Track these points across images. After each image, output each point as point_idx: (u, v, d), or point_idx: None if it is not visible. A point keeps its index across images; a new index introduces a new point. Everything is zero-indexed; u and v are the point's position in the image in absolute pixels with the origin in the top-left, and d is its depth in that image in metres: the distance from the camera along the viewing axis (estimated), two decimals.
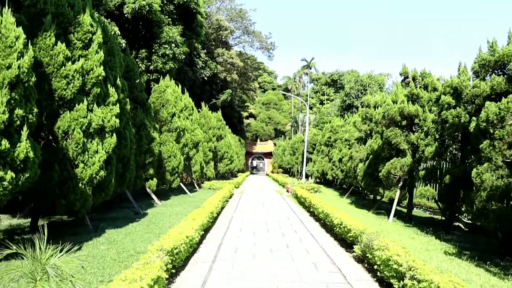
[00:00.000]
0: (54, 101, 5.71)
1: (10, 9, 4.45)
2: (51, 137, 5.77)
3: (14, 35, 4.27)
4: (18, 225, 6.70)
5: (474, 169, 6.38)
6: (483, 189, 6.15)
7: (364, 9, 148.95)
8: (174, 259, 4.01)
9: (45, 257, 2.49)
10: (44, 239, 2.66)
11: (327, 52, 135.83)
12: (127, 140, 7.99)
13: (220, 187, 16.54)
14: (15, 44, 4.24)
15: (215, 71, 29.71)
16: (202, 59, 25.40)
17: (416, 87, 10.62)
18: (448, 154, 9.04)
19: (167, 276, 3.36)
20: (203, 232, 6.20)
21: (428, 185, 10.40)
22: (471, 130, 7.03)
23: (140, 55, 17.31)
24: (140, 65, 16.85)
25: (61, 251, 2.70)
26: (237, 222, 8.71)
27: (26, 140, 4.22)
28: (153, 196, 10.90)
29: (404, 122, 10.29)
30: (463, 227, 9.85)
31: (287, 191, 18.27)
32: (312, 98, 73.22)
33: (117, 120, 6.71)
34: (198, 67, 24.84)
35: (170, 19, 18.85)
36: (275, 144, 55.06)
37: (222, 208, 10.71)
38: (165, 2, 18.55)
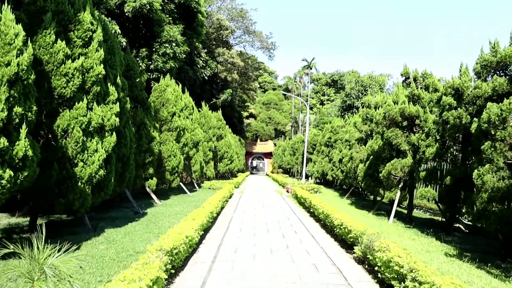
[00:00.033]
0: (53, 99, 5.67)
1: (9, 6, 4.41)
2: (50, 136, 5.74)
3: (13, 32, 4.23)
4: (17, 224, 6.67)
5: (475, 171, 6.35)
6: (484, 191, 6.12)
7: (365, 8, 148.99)
8: (173, 259, 3.98)
9: (42, 257, 2.45)
10: (42, 238, 2.63)
11: (328, 52, 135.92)
12: (127, 139, 7.96)
13: (220, 187, 16.50)
14: (14, 41, 4.20)
15: (216, 71, 29.68)
16: (202, 59, 25.36)
17: (417, 88, 10.59)
18: (449, 155, 9.01)
19: (166, 277, 3.33)
20: (202, 232, 6.17)
21: (429, 186, 10.37)
22: (472, 131, 7.00)
23: (140, 54, 17.28)
24: (140, 64, 16.82)
25: (59, 250, 2.67)
26: (237, 222, 8.68)
27: (25, 138, 4.18)
28: (153, 196, 10.86)
29: (405, 123, 10.26)
30: (463, 229, 9.82)
31: (287, 191, 18.24)
32: (313, 98, 73.20)
33: (117, 119, 6.68)
34: (199, 66, 24.80)
35: (170, 18, 18.81)
36: (275, 144, 55.03)
37: (222, 208, 10.67)
38: (166, 1, 18.51)
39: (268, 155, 55.66)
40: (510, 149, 5.90)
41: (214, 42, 34.16)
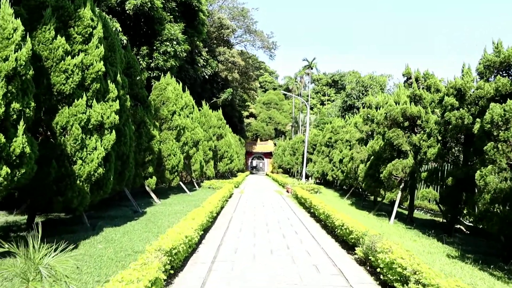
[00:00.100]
0: (52, 96, 5.61)
1: (8, 1, 4.34)
2: (49, 133, 5.67)
3: (12, 27, 4.17)
4: (15, 222, 6.60)
5: (478, 171, 6.29)
6: (487, 192, 6.06)
7: (366, 8, 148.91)
8: (172, 259, 3.92)
9: (38, 256, 2.39)
10: (38, 237, 2.56)
11: (329, 51, 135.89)
12: (127, 138, 7.89)
13: (220, 186, 16.44)
14: (12, 36, 4.14)
15: (216, 70, 29.60)
16: (203, 58, 25.28)
17: (419, 88, 10.53)
18: (450, 156, 8.95)
19: (165, 277, 3.27)
20: (202, 232, 6.11)
21: (430, 187, 10.31)
22: (474, 131, 6.95)
23: (141, 52, 17.21)
24: (141, 62, 16.75)
25: (55, 250, 2.60)
26: (237, 222, 8.62)
27: (22, 135, 4.12)
28: (152, 195, 10.80)
29: (406, 123, 10.20)
30: (465, 230, 9.77)
31: (287, 191, 18.18)
32: (313, 98, 73.14)
33: (117, 117, 6.61)
34: (199, 65, 24.73)
35: (172, 17, 18.74)
36: (275, 144, 54.97)
37: (222, 207, 10.61)
38: None
39: (268, 155, 55.60)
40: None
41: (215, 41, 34.09)
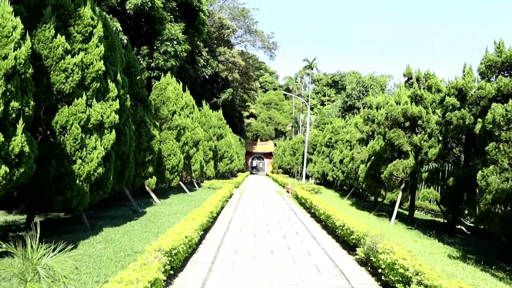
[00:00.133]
0: (52, 95, 5.58)
1: None
2: (48, 132, 5.64)
3: (11, 25, 4.14)
4: (14, 221, 6.57)
5: (480, 172, 6.25)
6: (488, 192, 6.03)
7: (366, 8, 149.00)
8: (172, 260, 3.88)
9: (36, 257, 2.35)
10: (36, 236, 2.53)
11: (330, 51, 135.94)
12: (127, 137, 7.86)
13: (220, 186, 16.41)
14: (12, 34, 4.11)
15: (217, 70, 29.58)
16: (203, 58, 25.26)
17: (419, 88, 10.50)
18: (451, 156, 8.92)
19: (165, 278, 3.24)
20: (202, 232, 6.07)
21: (431, 187, 10.28)
22: (476, 132, 6.92)
23: (141, 52, 17.18)
24: (141, 62, 16.72)
25: (54, 250, 2.57)
26: (237, 222, 8.58)
27: (21, 133, 4.09)
28: (152, 195, 10.76)
29: (407, 124, 10.17)
30: (465, 230, 9.73)
31: (287, 191, 18.15)
32: (313, 99, 73.12)
33: (117, 116, 6.58)
34: (200, 65, 24.70)
35: (172, 16, 18.71)
36: (275, 145, 54.93)
37: (222, 208, 10.58)
38: None
39: (268, 155, 55.56)
40: None
41: (215, 41, 34.07)
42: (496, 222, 5.95)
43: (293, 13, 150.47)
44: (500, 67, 6.99)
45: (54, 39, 5.48)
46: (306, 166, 24.59)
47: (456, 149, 8.83)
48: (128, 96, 8.04)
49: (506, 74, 7.12)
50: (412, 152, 9.94)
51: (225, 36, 34.23)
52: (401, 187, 10.03)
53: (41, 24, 5.44)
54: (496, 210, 5.98)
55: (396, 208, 9.99)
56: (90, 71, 6.04)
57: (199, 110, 19.51)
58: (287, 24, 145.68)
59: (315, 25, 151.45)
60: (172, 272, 3.92)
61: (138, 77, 10.05)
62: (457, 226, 9.34)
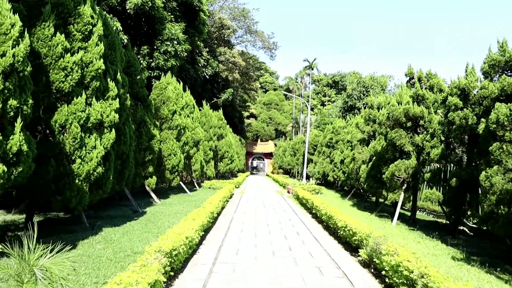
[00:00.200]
0: (51, 94, 5.51)
1: None
2: (48, 131, 5.58)
3: (9, 22, 4.08)
4: (13, 221, 6.50)
5: (483, 172, 6.18)
6: (492, 193, 5.96)
7: (367, 8, 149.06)
8: (172, 261, 3.82)
9: (33, 258, 2.29)
10: (33, 237, 2.46)
11: (330, 52, 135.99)
12: (127, 137, 7.80)
13: (220, 186, 16.34)
14: (10, 32, 4.05)
15: (217, 70, 29.54)
16: (204, 58, 25.22)
17: (421, 88, 10.43)
18: (454, 156, 8.85)
19: (165, 280, 3.17)
20: (203, 233, 6.01)
21: (434, 188, 10.21)
22: (479, 132, 6.85)
23: (141, 52, 17.13)
24: (141, 61, 16.67)
25: (52, 250, 2.51)
26: (238, 222, 8.51)
27: (20, 132, 4.02)
28: (152, 195, 10.70)
29: (409, 124, 10.09)
30: (468, 231, 9.65)
31: (288, 192, 18.07)
32: (314, 99, 73.07)
33: (117, 116, 6.52)
34: (200, 65, 24.65)
35: (172, 16, 18.67)
36: (275, 145, 54.86)
37: (223, 208, 10.51)
38: None
39: (269, 155, 55.49)
40: None
41: (215, 41, 34.03)
42: (500, 224, 5.88)
43: (293, 13, 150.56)
44: (503, 67, 6.93)
45: (54, 37, 5.42)
46: (307, 167, 24.51)
47: (459, 149, 8.75)
48: (128, 95, 7.98)
49: (509, 74, 7.06)
50: (414, 153, 9.87)
51: (225, 36, 34.19)
52: (403, 187, 9.96)
53: (40, 22, 5.38)
54: (500, 211, 5.91)
55: (398, 209, 9.92)
56: (90, 69, 5.98)
57: (200, 110, 19.45)
58: (288, 24, 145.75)
59: (315, 25, 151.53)
60: (172, 273, 3.86)
61: (138, 77, 9.99)
62: (459, 227, 9.26)
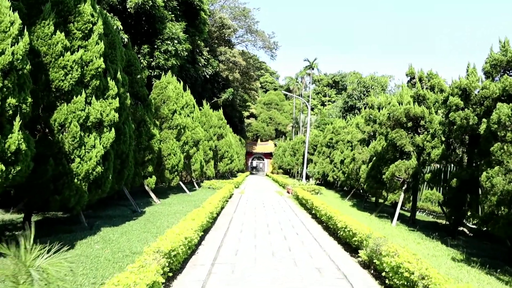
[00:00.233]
0: (51, 93, 5.48)
1: None
2: (47, 130, 5.55)
3: (9, 20, 4.05)
4: (11, 220, 6.48)
5: (484, 173, 6.15)
6: (493, 194, 5.93)
7: (368, 8, 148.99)
8: (171, 261, 3.79)
9: (30, 258, 2.26)
10: (30, 236, 2.43)
11: (331, 51, 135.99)
12: (126, 136, 7.77)
13: (220, 186, 16.31)
14: (9, 29, 4.01)
15: (217, 70, 29.51)
16: (204, 57, 25.18)
17: (422, 88, 10.40)
18: (454, 157, 8.82)
19: (163, 281, 3.14)
20: (202, 233, 5.98)
21: (434, 188, 10.18)
22: (480, 132, 6.81)
23: (142, 51, 17.10)
24: (142, 61, 16.64)
25: (49, 251, 2.48)
26: (237, 223, 8.49)
27: (18, 131, 3.99)
28: (152, 194, 10.67)
29: (409, 124, 10.07)
30: (468, 232, 9.63)
31: (288, 192, 18.05)
32: (314, 99, 73.04)
33: (116, 115, 6.49)
34: (200, 65, 24.62)
35: (173, 15, 18.63)
36: (275, 145, 54.82)
37: (222, 208, 10.48)
38: None
39: (268, 155, 55.45)
40: None
41: (216, 41, 34.00)
42: (501, 225, 5.85)
43: (294, 13, 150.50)
44: (505, 66, 6.90)
45: (54, 35, 5.39)
46: (307, 167, 24.49)
47: (459, 150, 8.72)
48: (128, 94, 7.95)
49: (511, 74, 7.03)
50: (415, 153, 9.85)
51: (226, 35, 34.16)
52: (403, 188, 9.94)
53: (40, 20, 5.35)
54: (501, 212, 5.88)
55: (398, 210, 9.89)
56: (90, 68, 5.95)
57: (200, 109, 19.42)
58: (288, 24, 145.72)
59: (316, 25, 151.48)
60: (171, 274, 3.83)
61: (138, 76, 9.96)
62: (459, 228, 9.24)
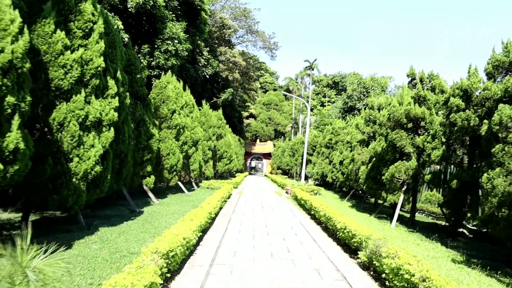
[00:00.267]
0: (50, 91, 5.44)
1: None
2: (46, 129, 5.52)
3: (9, 18, 4.01)
4: (8, 219, 6.44)
5: (485, 174, 6.14)
6: (494, 195, 5.91)
7: (368, 8, 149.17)
8: (169, 262, 3.76)
9: (26, 258, 2.23)
10: (27, 236, 2.40)
11: (331, 52, 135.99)
12: (125, 135, 7.74)
13: (219, 186, 16.28)
14: (9, 27, 3.98)
15: (217, 70, 29.49)
16: (204, 57, 25.16)
17: (423, 89, 10.39)
18: (455, 158, 8.81)
19: (161, 282, 3.11)
20: (200, 234, 5.95)
21: (434, 189, 10.17)
22: (481, 133, 6.80)
23: (142, 51, 17.07)
24: (142, 60, 16.61)
25: (46, 251, 2.44)
26: (236, 223, 8.46)
27: (17, 130, 3.96)
28: (150, 194, 10.63)
29: (410, 125, 10.05)
30: (468, 234, 9.61)
31: (286, 192, 18.02)
32: (313, 99, 73.05)
33: (116, 114, 6.46)
34: (200, 65, 24.59)
35: (174, 15, 18.61)
36: (274, 145, 54.76)
37: (221, 208, 10.45)
38: None
39: (267, 155, 55.39)
40: None
41: (216, 41, 33.98)
42: (501, 226, 5.83)
43: (294, 14, 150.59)
44: (507, 67, 6.89)
45: (54, 34, 5.35)
46: (306, 167, 24.46)
47: (460, 151, 8.71)
48: (127, 94, 7.92)
49: None
50: (415, 154, 9.83)
51: (226, 36, 34.15)
52: (403, 189, 9.92)
53: (41, 19, 5.31)
54: (501, 214, 5.86)
55: (397, 211, 9.87)
56: (90, 67, 5.92)
57: (199, 109, 19.38)
58: (288, 25, 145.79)
59: (316, 25, 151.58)
60: (169, 275, 3.80)
61: (138, 75, 9.93)
62: (459, 230, 9.22)
